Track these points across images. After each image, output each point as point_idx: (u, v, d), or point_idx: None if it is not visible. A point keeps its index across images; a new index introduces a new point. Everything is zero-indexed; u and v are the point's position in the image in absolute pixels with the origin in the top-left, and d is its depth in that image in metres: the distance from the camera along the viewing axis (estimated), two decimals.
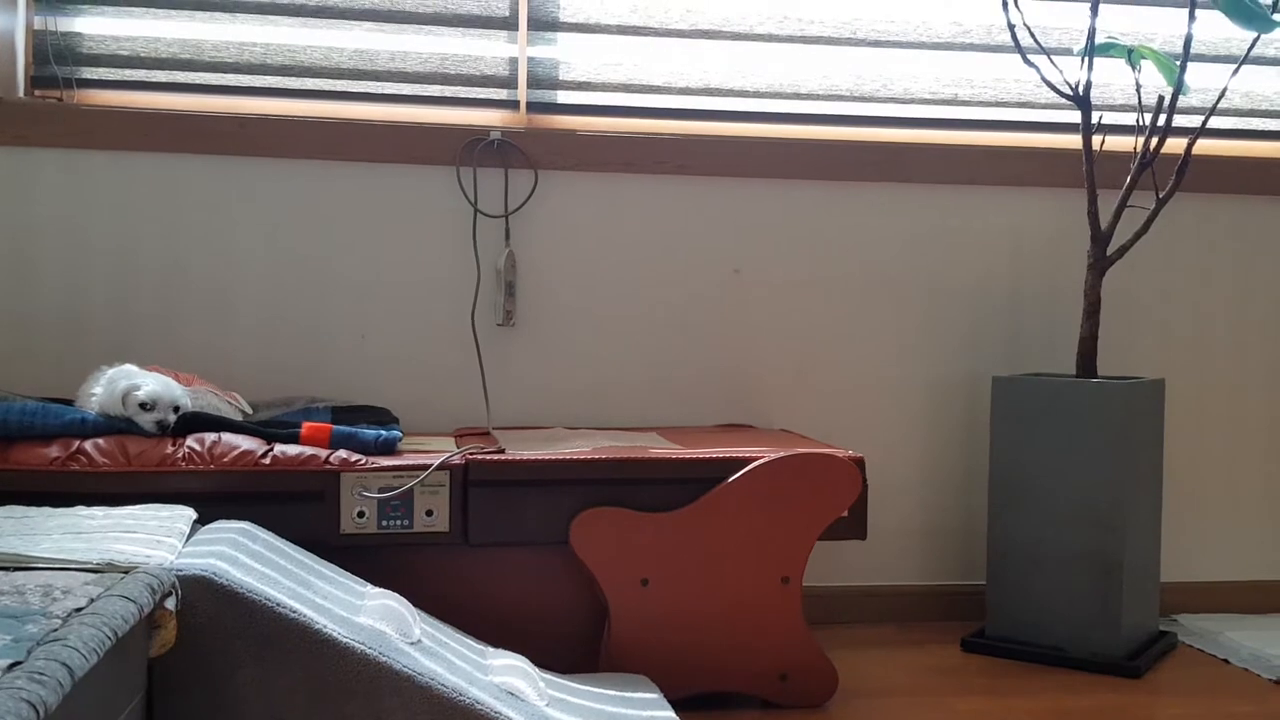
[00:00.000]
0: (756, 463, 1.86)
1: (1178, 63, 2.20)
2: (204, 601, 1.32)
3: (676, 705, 1.68)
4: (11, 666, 0.92)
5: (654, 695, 1.70)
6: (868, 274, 2.43)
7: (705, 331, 2.37)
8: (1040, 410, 2.15)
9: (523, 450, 1.89)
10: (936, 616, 2.40)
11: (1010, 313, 2.47)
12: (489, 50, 2.33)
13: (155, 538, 1.40)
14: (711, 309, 2.37)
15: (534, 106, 2.34)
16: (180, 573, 1.31)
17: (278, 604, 1.35)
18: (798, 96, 2.44)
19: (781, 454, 1.87)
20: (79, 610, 1.07)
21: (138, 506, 1.57)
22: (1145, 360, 2.51)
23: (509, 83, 2.33)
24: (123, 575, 1.21)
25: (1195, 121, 2.31)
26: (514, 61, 2.33)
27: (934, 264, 2.45)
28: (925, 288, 2.45)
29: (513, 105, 2.33)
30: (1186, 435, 2.51)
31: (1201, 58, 2.55)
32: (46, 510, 1.53)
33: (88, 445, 1.72)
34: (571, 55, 2.36)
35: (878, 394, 2.42)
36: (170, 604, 1.24)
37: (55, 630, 1.01)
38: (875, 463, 2.18)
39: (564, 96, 2.35)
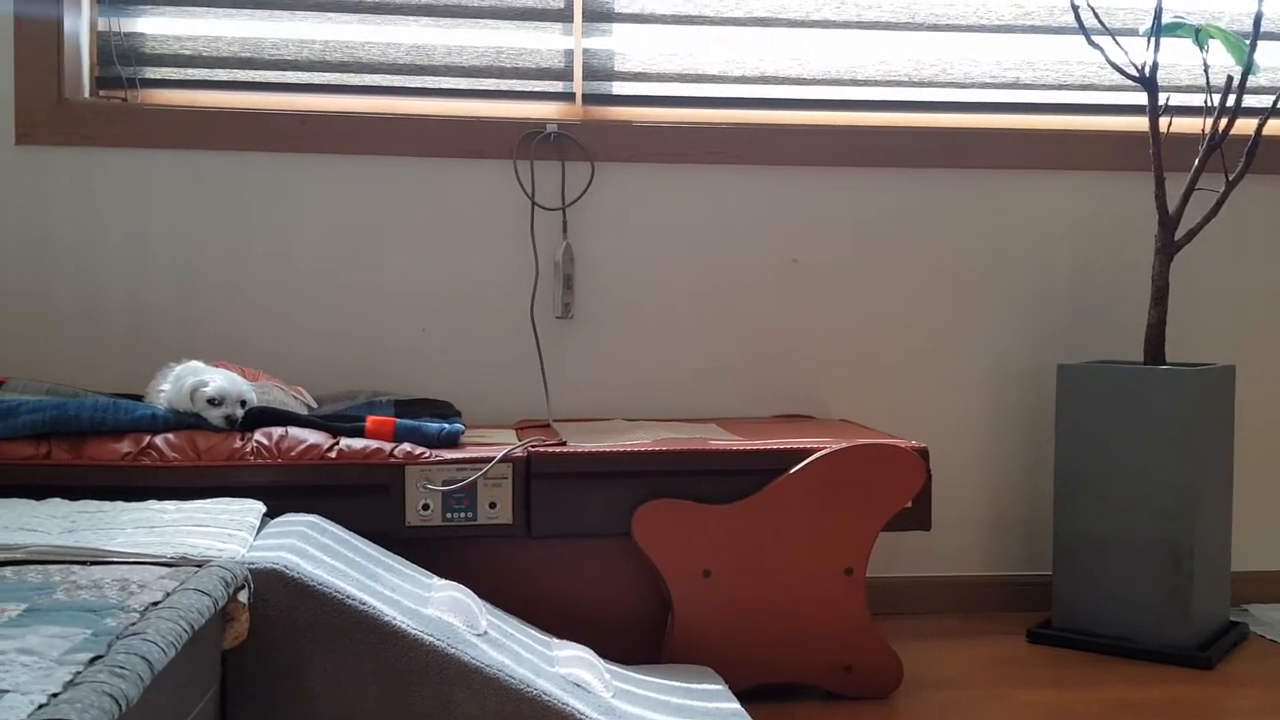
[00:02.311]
0: (818, 454, 1.85)
1: (1247, 41, 2.15)
2: (276, 594, 1.33)
3: (740, 696, 1.67)
4: (93, 660, 0.93)
5: (718, 686, 1.70)
6: (929, 261, 2.40)
7: (763, 321, 2.36)
8: (1107, 398, 2.11)
9: (584, 442, 1.89)
10: (1001, 607, 2.37)
11: (1075, 299, 2.43)
12: (544, 43, 2.33)
13: (227, 531, 1.41)
14: (769, 299, 2.36)
15: (590, 98, 2.33)
16: (252, 566, 1.32)
17: (348, 596, 1.36)
18: (855, 83, 2.41)
19: (843, 445, 1.87)
20: (155, 604, 1.08)
21: (208, 500, 1.59)
22: (1214, 346, 2.45)
23: (565, 75, 2.33)
24: (196, 569, 1.22)
25: (1265, 101, 2.25)
26: (569, 54, 2.33)
27: (997, 250, 2.42)
28: (988, 274, 2.42)
29: (569, 98, 2.33)
30: (1257, 422, 2.46)
31: (1272, 36, 2.48)
32: (120, 505, 1.55)
33: (158, 440, 1.74)
34: (626, 46, 2.35)
35: (940, 382, 2.40)
36: (243, 597, 1.26)
37: (134, 624, 1.02)
38: (938, 452, 2.15)
39: (619, 88, 2.35)
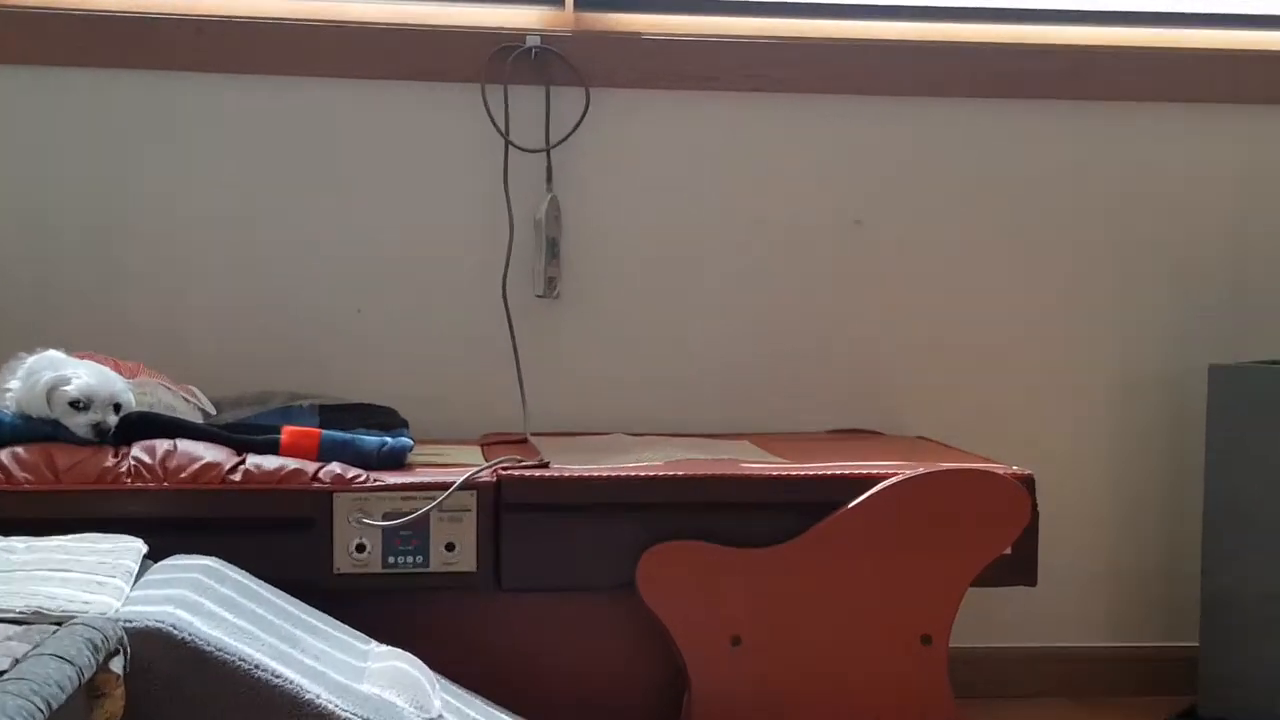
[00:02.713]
0: (887, 482, 1.84)
1: None
2: (161, 662, 1.32)
3: None
4: None
5: None
6: (1036, 227, 2.40)
7: (815, 305, 2.36)
8: (1274, 410, 2.11)
9: (572, 464, 1.88)
10: (1129, 689, 2.37)
11: (1235, 278, 2.43)
12: None
13: (95, 578, 1.40)
14: (823, 275, 2.36)
15: (584, 2, 2.32)
16: (129, 624, 1.31)
17: (256, 665, 1.35)
18: None
19: (920, 470, 1.86)
20: (1, 674, 1.08)
21: (70, 537, 1.57)
22: None
23: None
24: (55, 628, 1.21)
25: None
26: None
27: (1128, 212, 2.42)
28: (1115, 245, 2.42)
29: (556, 1, 2.32)
30: None
31: None
32: None
33: (3, 456, 1.74)
34: None
35: (1050, 388, 2.40)
36: (116, 665, 1.24)
37: None
38: (1047, 481, 2.14)
39: None
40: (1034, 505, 1.88)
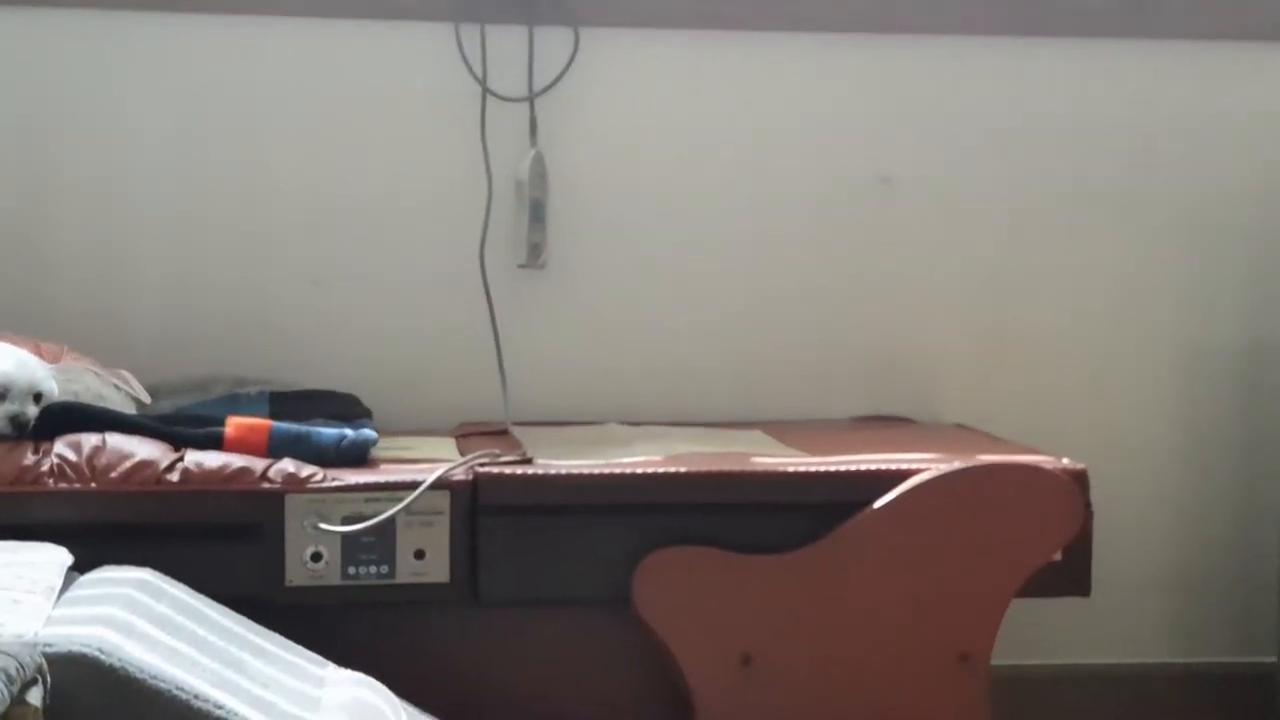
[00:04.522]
0: (919, 478, 1.84)
1: None
2: (87, 692, 1.31)
3: None
4: None
5: None
6: (1090, 183, 2.39)
7: (836, 274, 2.35)
8: None
9: (560, 460, 1.88)
10: (1197, 712, 2.37)
11: None
12: None
13: (10, 594, 1.40)
14: (845, 240, 2.35)
15: None
16: (50, 649, 1.30)
17: (195, 695, 1.35)
18: None
19: (957, 465, 1.86)
20: None
21: None
22: None
23: None
24: None
25: None
26: None
27: (1196, 164, 2.41)
28: (1181, 202, 2.41)
29: None
30: None
31: None
32: None
33: None
34: None
35: (1106, 368, 2.39)
36: (34, 697, 1.24)
37: None
38: (1104, 476, 2.14)
39: None
40: (1087, 504, 1.88)
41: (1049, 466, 1.87)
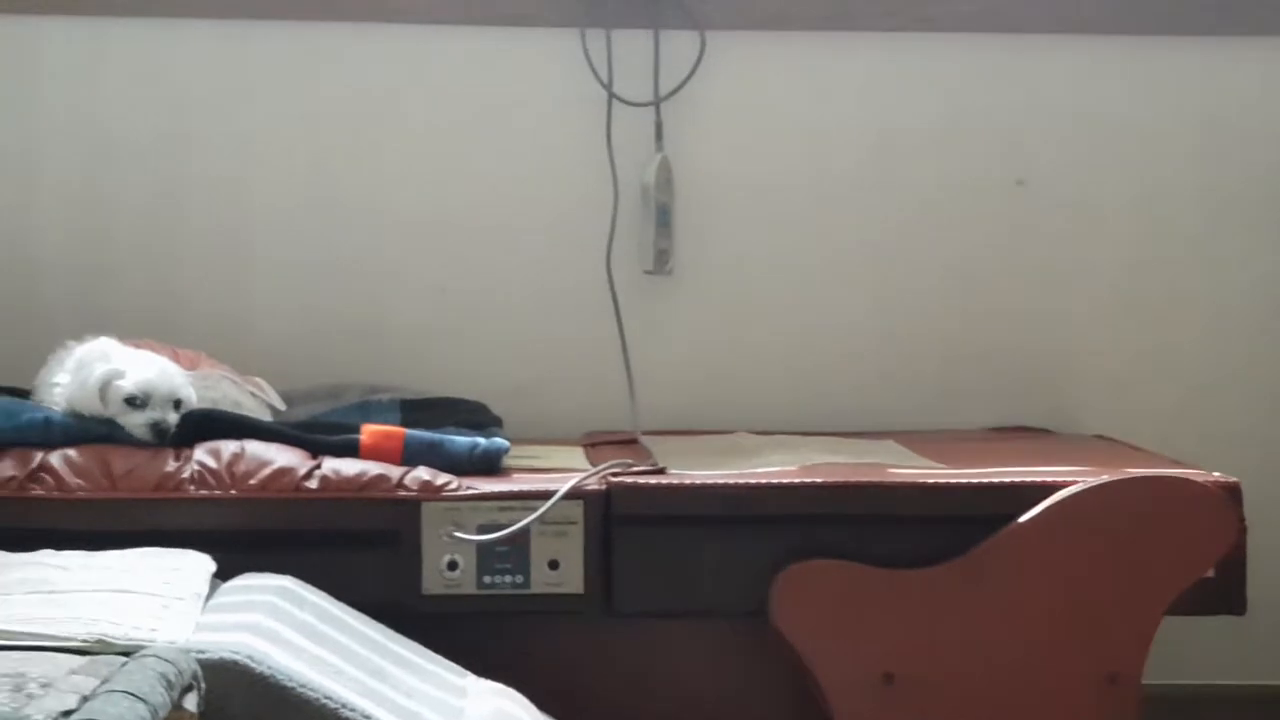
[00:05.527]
0: (1064, 492, 1.81)
1: None
2: (236, 699, 1.32)
3: None
4: None
5: None
6: (1237, 183, 2.35)
7: (970, 279, 2.33)
8: None
9: (692, 469, 1.87)
10: None
11: None
12: None
13: (160, 600, 1.41)
14: (978, 244, 2.33)
15: None
16: (202, 656, 1.31)
17: (343, 704, 1.35)
18: None
19: (1103, 478, 1.83)
20: (68, 714, 1.07)
21: (131, 551, 1.59)
22: None
23: None
24: (123, 659, 1.22)
25: None
26: None
27: None
28: None
29: None
30: None
31: None
32: None
33: (53, 459, 1.76)
34: None
35: (1255, 376, 2.35)
36: (191, 703, 1.24)
37: None
38: (1259, 490, 2.11)
39: None
40: (1241, 518, 1.84)
41: (1200, 479, 1.84)
